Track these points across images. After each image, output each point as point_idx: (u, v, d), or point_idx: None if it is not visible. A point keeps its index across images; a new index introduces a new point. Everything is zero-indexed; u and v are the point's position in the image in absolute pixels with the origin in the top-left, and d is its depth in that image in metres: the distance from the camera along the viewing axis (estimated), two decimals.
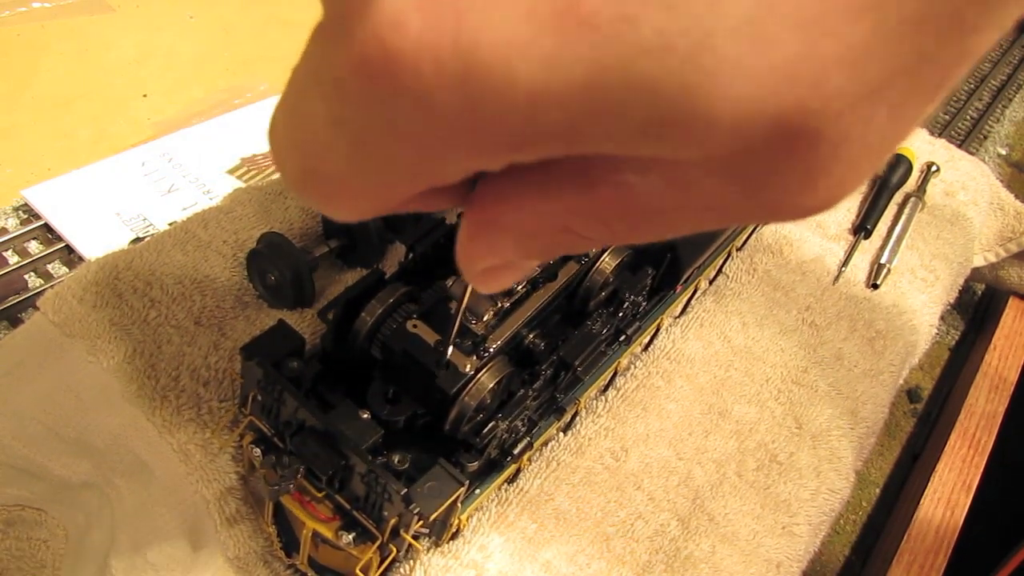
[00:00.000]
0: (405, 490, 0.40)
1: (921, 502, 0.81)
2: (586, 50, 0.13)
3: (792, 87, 0.14)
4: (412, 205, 0.18)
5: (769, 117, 0.14)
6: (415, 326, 0.45)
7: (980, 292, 1.13)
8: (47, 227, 0.92)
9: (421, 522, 0.42)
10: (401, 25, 0.14)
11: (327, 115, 0.16)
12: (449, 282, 0.47)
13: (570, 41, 0.13)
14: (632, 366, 0.66)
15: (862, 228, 0.86)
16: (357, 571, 0.44)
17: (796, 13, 0.13)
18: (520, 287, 0.48)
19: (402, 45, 0.14)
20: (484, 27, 0.13)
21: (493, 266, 0.19)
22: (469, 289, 0.38)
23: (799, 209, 0.16)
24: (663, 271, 0.61)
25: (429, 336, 0.44)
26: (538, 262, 0.19)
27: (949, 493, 0.83)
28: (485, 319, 0.45)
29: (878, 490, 0.90)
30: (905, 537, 0.79)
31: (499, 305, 0.46)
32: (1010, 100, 1.46)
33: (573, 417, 0.60)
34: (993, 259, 0.97)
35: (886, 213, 0.88)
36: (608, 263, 0.54)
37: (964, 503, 0.82)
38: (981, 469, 0.85)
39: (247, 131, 1.09)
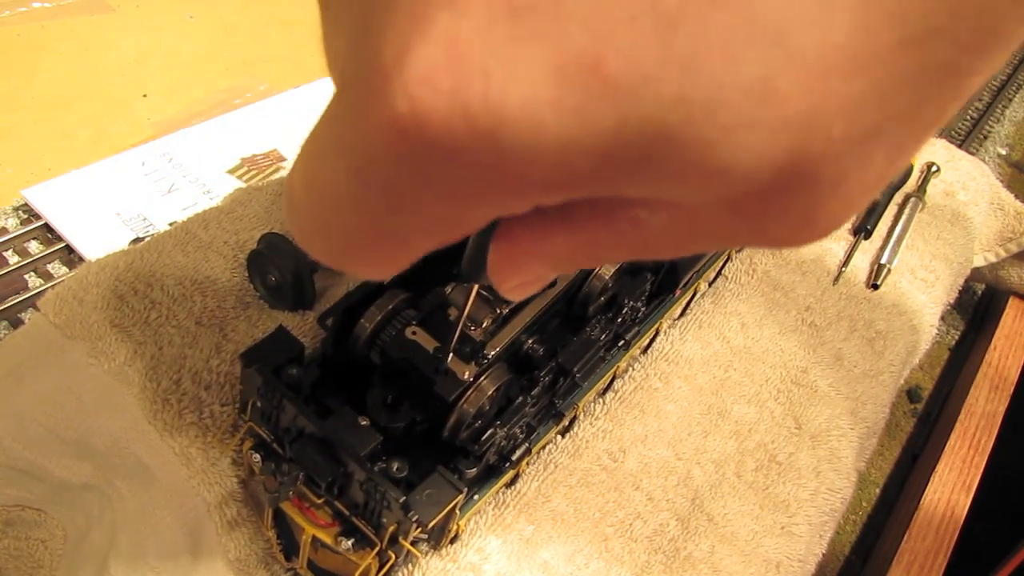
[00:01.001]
0: (404, 498, 0.40)
1: (921, 502, 0.81)
2: (610, 106, 0.14)
3: (798, 138, 0.15)
4: (433, 249, 0.19)
5: (776, 164, 0.15)
6: (414, 333, 0.45)
7: (980, 292, 1.13)
8: (47, 227, 0.92)
9: (420, 529, 0.42)
10: (432, 84, 0.14)
11: (355, 180, 0.16)
12: (448, 288, 0.47)
13: (595, 98, 0.14)
14: (630, 368, 0.67)
15: (862, 228, 0.86)
16: None
17: (804, 72, 0.14)
18: None
19: (434, 104, 0.14)
20: (512, 85, 0.14)
21: (523, 281, 0.21)
22: (472, 299, 0.39)
23: (798, 240, 0.18)
24: (662, 276, 0.61)
25: (428, 343, 0.45)
26: (564, 272, 0.22)
27: (949, 493, 0.83)
28: (484, 326, 0.45)
29: (878, 490, 0.90)
30: (905, 537, 0.79)
31: (498, 312, 0.46)
32: (1010, 100, 1.46)
33: (571, 421, 0.60)
34: (993, 259, 0.97)
35: (886, 213, 0.88)
36: (607, 268, 0.55)
37: (964, 503, 0.82)
38: (981, 469, 0.85)
39: (247, 131, 1.09)
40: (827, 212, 0.17)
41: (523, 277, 0.21)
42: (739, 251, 0.79)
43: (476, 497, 0.51)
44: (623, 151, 0.15)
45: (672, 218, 0.17)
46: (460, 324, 0.40)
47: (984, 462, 0.85)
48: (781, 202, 0.16)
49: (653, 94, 0.14)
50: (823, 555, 0.67)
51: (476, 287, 0.38)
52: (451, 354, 0.44)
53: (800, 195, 0.16)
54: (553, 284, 0.51)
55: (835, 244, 0.84)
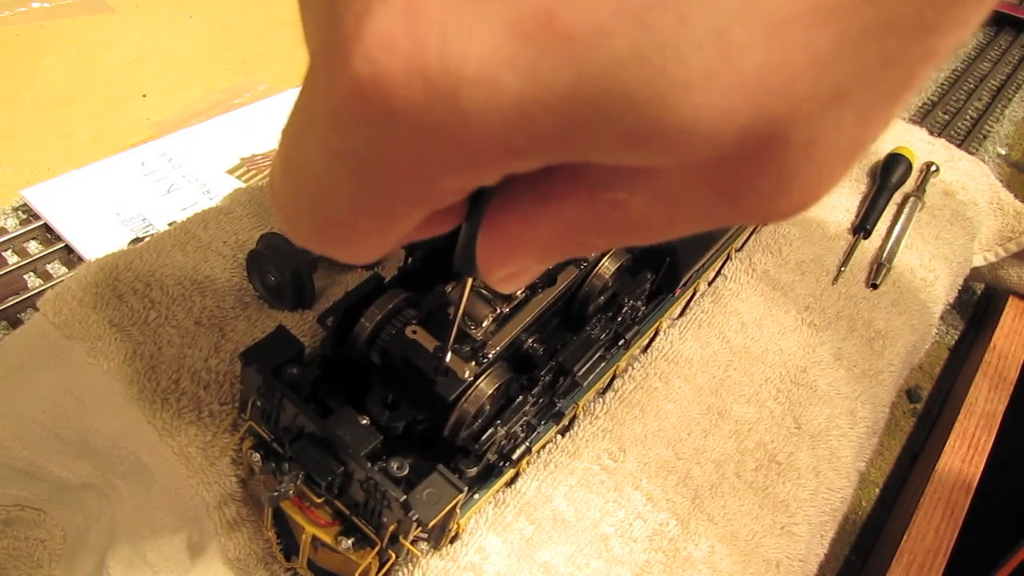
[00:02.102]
0: (404, 497, 0.40)
1: (921, 502, 0.81)
2: (566, 61, 0.14)
3: (761, 95, 0.14)
4: (418, 234, 0.19)
5: (740, 124, 0.15)
6: (414, 332, 0.45)
7: (980, 292, 1.13)
8: (47, 227, 0.92)
9: (420, 528, 0.42)
10: (390, 47, 0.14)
11: (325, 154, 0.16)
12: (448, 287, 0.47)
13: (551, 53, 0.14)
14: (630, 368, 0.67)
15: (862, 228, 0.86)
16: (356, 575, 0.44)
17: (762, 24, 0.14)
18: (520, 292, 0.48)
19: (393, 65, 0.14)
20: (469, 44, 0.14)
21: (511, 272, 0.21)
22: (466, 295, 0.39)
23: (777, 211, 0.17)
24: (662, 275, 0.61)
25: (428, 342, 0.44)
26: (552, 264, 0.21)
27: (949, 493, 0.83)
28: (484, 325, 0.45)
29: (878, 490, 0.90)
30: (905, 537, 0.79)
31: (498, 311, 0.46)
32: (1010, 100, 1.45)
33: (571, 420, 0.60)
34: (993, 259, 0.97)
35: (886, 213, 0.88)
36: (607, 267, 0.54)
37: (964, 503, 0.82)
38: (981, 469, 0.85)
39: (247, 131, 1.09)
40: (802, 180, 0.16)
41: (510, 267, 0.20)
42: (739, 250, 0.79)
43: (476, 496, 0.51)
44: (582, 110, 0.14)
45: (652, 199, 0.17)
46: (457, 321, 0.40)
47: (984, 462, 0.85)
48: (752, 169, 0.16)
49: (608, 49, 0.14)
50: (823, 555, 0.67)
51: (470, 282, 0.38)
52: (451, 353, 0.43)
53: (771, 161, 0.15)
54: (553, 283, 0.51)
55: (834, 244, 0.84)
